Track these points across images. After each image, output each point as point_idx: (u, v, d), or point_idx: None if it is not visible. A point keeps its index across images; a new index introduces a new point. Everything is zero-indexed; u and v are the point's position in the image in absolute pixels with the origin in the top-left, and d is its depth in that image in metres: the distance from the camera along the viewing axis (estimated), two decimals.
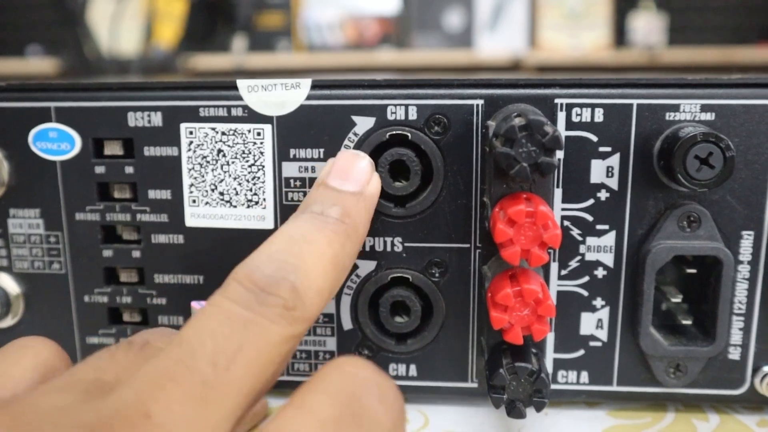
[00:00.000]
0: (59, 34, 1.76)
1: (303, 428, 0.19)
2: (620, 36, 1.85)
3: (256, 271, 0.23)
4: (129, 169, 0.33)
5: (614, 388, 0.33)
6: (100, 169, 0.33)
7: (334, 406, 0.20)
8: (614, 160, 0.31)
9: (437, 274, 0.33)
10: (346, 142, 0.32)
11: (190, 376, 0.19)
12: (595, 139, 0.31)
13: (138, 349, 0.24)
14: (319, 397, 0.20)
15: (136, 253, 0.34)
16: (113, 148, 0.33)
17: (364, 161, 0.30)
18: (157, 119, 0.32)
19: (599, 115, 0.31)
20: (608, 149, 0.31)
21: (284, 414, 0.20)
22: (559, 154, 0.31)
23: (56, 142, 0.33)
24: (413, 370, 0.34)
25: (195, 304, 0.34)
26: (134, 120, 0.33)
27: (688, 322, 0.32)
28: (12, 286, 0.35)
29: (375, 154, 0.31)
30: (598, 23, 1.85)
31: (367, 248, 0.33)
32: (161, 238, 0.34)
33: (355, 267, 0.33)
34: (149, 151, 0.33)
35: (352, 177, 0.29)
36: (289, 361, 0.32)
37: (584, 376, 0.33)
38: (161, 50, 1.54)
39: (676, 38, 1.84)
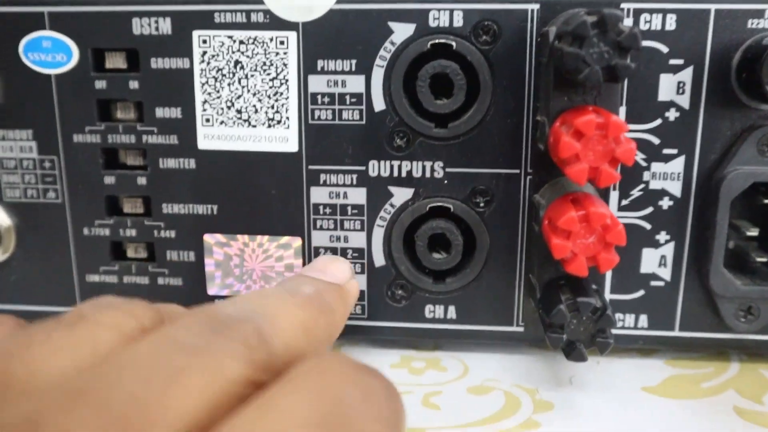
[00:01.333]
0: None
1: (279, 428, 0.16)
2: None
3: (215, 309, 0.20)
4: (133, 84, 0.29)
5: (676, 333, 0.30)
6: (100, 84, 0.29)
7: (312, 406, 0.16)
8: (686, 75, 0.27)
9: (482, 204, 0.29)
10: (381, 52, 0.28)
11: (112, 394, 0.16)
12: (665, 50, 0.27)
13: (68, 327, 0.19)
14: (294, 397, 0.17)
15: (142, 180, 0.30)
16: (115, 61, 0.29)
17: (344, 263, 0.28)
18: (165, 26, 0.28)
19: (671, 23, 0.27)
20: (680, 62, 0.27)
21: (248, 414, 0.16)
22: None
23: (51, 53, 0.29)
24: (452, 312, 0.30)
25: (208, 238, 0.30)
26: (140, 27, 0.29)
27: (763, 259, 0.29)
28: (2, 218, 0.31)
29: (415, 66, 0.28)
30: None
31: (404, 174, 0.29)
32: (170, 163, 0.30)
33: (390, 195, 0.29)
34: (157, 63, 0.29)
35: (330, 272, 0.27)
36: None
37: (643, 319, 0.30)
38: None
39: None
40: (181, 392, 0.16)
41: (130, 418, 0.15)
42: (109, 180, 0.30)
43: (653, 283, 0.29)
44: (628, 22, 0.27)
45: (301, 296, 0.23)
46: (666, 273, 0.29)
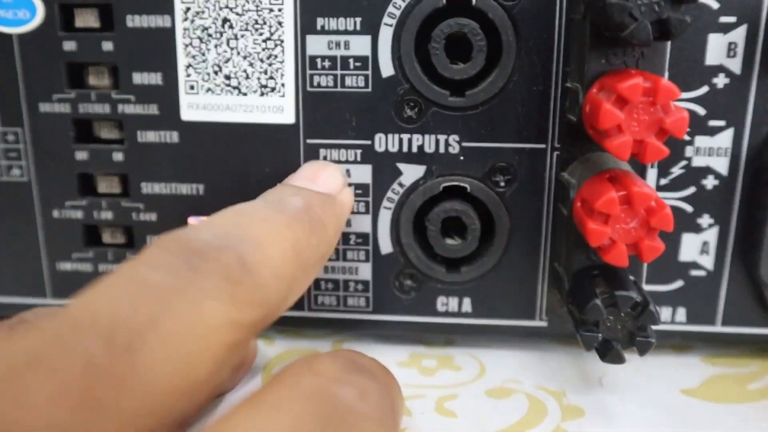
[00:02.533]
0: None
1: (272, 428, 0.14)
2: None
3: (188, 235, 0.17)
4: (107, 46, 0.26)
5: (717, 328, 0.27)
6: (70, 46, 0.26)
7: (306, 404, 0.15)
8: (738, 35, 0.24)
9: (502, 183, 0.26)
10: (390, 8, 0.24)
11: (66, 361, 0.13)
12: (715, 5, 0.24)
13: (6, 330, 0.17)
14: (288, 395, 0.15)
15: (118, 156, 0.27)
16: (86, 18, 0.26)
17: (336, 169, 0.25)
18: None
19: None
20: (732, 20, 0.24)
21: (242, 412, 0.14)
22: None
23: (12, 9, 0.26)
24: (467, 305, 0.27)
25: (193, 221, 0.27)
26: None
27: None
28: None
29: (427, 25, 0.24)
30: None
31: (415, 149, 0.26)
32: (150, 136, 0.26)
33: (398, 173, 0.26)
34: (133, 21, 0.25)
35: (320, 180, 0.24)
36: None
37: (681, 313, 0.27)
38: None
39: None
40: (154, 352, 0.13)
41: (90, 390, 0.12)
42: (81, 155, 0.27)
43: (693, 272, 0.26)
44: None
45: (288, 212, 0.20)
46: (708, 261, 0.26)
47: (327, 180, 0.24)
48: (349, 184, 0.26)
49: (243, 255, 0.17)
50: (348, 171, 0.26)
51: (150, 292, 0.15)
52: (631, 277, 0.24)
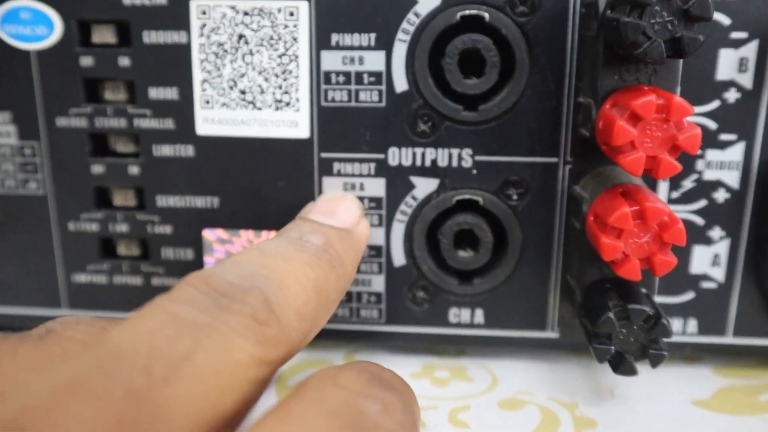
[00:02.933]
0: None
1: None
2: None
3: (216, 275, 0.18)
4: (124, 61, 0.26)
5: (729, 339, 0.27)
6: (87, 61, 0.26)
7: (332, 418, 0.16)
8: (750, 50, 0.24)
9: (515, 197, 0.26)
10: (404, 25, 0.25)
11: (107, 387, 0.13)
12: (727, 21, 0.24)
13: (36, 340, 0.17)
14: (314, 408, 0.16)
15: (134, 170, 0.27)
16: (104, 34, 0.26)
17: (353, 201, 0.25)
18: None
19: None
20: (743, 35, 0.24)
21: (268, 425, 0.15)
22: None
23: (30, 26, 0.26)
24: (479, 317, 0.27)
25: (208, 234, 0.27)
26: None
27: None
28: None
29: (441, 41, 0.24)
30: None
31: (428, 163, 0.26)
32: (165, 150, 0.27)
33: (412, 187, 0.26)
34: (150, 37, 0.26)
35: (338, 215, 0.24)
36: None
37: (692, 324, 0.27)
38: None
39: None
40: (189, 383, 0.14)
41: (129, 416, 0.13)
42: (97, 169, 0.27)
43: (704, 284, 0.27)
44: None
45: (309, 250, 0.21)
46: (719, 273, 0.26)
47: (345, 213, 0.24)
48: (363, 198, 0.26)
49: (269, 296, 0.18)
50: (362, 184, 0.26)
51: (184, 328, 0.15)
52: (644, 290, 0.24)
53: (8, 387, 0.15)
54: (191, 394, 0.14)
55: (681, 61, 0.22)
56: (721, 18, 0.24)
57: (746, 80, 0.24)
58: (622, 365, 0.23)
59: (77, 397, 0.13)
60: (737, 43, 0.24)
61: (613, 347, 0.23)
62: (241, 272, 0.19)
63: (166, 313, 0.16)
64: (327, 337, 0.28)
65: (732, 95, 0.25)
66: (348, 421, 0.16)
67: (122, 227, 0.28)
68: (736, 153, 0.25)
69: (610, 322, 0.23)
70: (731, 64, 0.24)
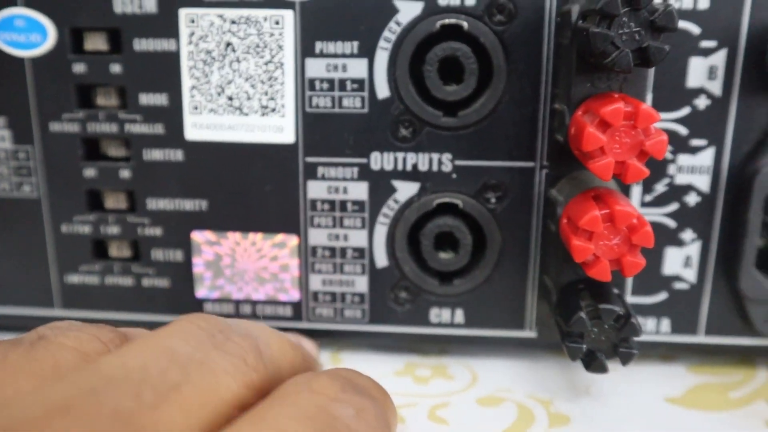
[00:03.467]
0: None
1: None
2: None
3: (217, 318, 0.19)
4: (115, 68, 0.27)
5: (701, 339, 0.28)
6: (79, 68, 0.27)
7: (306, 422, 0.16)
8: (719, 58, 0.25)
9: (493, 200, 0.27)
10: (386, 33, 0.26)
11: (98, 408, 0.14)
12: (696, 30, 0.25)
13: (27, 346, 0.18)
14: (288, 413, 0.17)
15: (125, 173, 0.28)
16: (96, 41, 0.27)
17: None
18: (150, 4, 0.26)
19: (704, 0, 0.25)
20: (713, 44, 0.25)
21: (243, 430, 0.16)
22: None
23: (24, 33, 0.27)
24: (460, 317, 0.28)
25: (197, 236, 0.28)
26: (122, 5, 0.26)
27: None
28: None
29: (422, 49, 0.25)
30: None
31: (409, 167, 0.27)
32: (155, 154, 0.27)
33: (393, 190, 0.27)
34: (140, 44, 0.27)
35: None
36: None
37: (665, 324, 0.28)
38: None
39: None
40: (174, 411, 0.15)
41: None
42: (89, 172, 0.28)
43: (677, 285, 0.27)
44: (661, 1, 0.24)
45: (288, 338, 0.23)
46: (691, 274, 0.27)
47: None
48: (347, 201, 0.27)
49: (260, 346, 0.19)
50: (345, 188, 0.27)
51: (177, 361, 0.16)
52: (616, 291, 0.25)
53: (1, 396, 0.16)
54: (176, 420, 0.15)
55: (651, 69, 0.23)
56: (691, 27, 0.25)
57: (716, 88, 0.25)
58: (593, 363, 0.24)
59: (70, 416, 0.14)
60: (707, 52, 0.25)
61: (585, 346, 0.24)
62: (238, 324, 0.20)
63: (162, 346, 0.17)
64: (312, 337, 0.29)
65: (702, 102, 0.26)
66: (321, 424, 0.17)
67: (114, 229, 0.29)
68: (706, 158, 0.26)
69: (581, 321, 0.23)
70: (701, 72, 0.25)
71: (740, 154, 0.26)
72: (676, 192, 0.26)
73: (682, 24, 0.25)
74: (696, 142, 0.26)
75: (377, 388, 0.21)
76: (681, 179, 0.26)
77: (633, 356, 0.24)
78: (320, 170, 0.27)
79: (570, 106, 0.24)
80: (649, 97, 0.25)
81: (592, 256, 0.23)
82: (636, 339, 0.24)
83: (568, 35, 0.24)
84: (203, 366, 0.17)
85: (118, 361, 0.16)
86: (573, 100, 0.23)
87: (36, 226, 0.29)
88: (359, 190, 0.27)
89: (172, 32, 0.26)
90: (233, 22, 0.26)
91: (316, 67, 0.26)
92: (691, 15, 0.25)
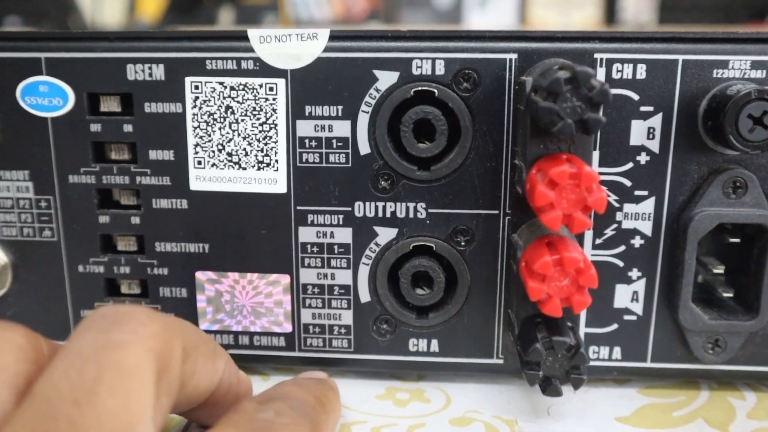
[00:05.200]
0: (40, 4, 1.70)
1: None
2: (610, 14, 1.83)
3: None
4: (128, 128, 0.30)
5: (648, 364, 0.31)
6: (95, 127, 0.30)
7: (232, 428, 0.22)
8: (656, 121, 0.29)
9: (463, 243, 0.30)
10: (366, 98, 0.29)
11: (55, 425, 0.17)
12: (636, 97, 0.29)
13: None
14: (217, 428, 0.21)
15: (135, 220, 0.31)
16: (110, 104, 0.30)
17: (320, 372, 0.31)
18: (159, 72, 0.30)
19: (641, 72, 0.28)
20: (650, 109, 0.29)
21: None
22: None
23: (47, 97, 0.30)
24: (435, 346, 0.32)
25: (200, 275, 0.31)
26: (134, 73, 0.30)
27: (729, 294, 0.31)
28: None
29: (398, 112, 0.29)
30: (588, 1, 1.83)
31: (388, 214, 0.30)
32: (163, 203, 0.31)
33: (375, 235, 0.31)
34: (150, 107, 0.30)
35: (315, 374, 0.30)
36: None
37: (617, 351, 0.31)
38: (145, 23, 1.49)
39: (665, 17, 1.83)
40: (110, 400, 0.18)
41: None
42: (103, 219, 0.31)
43: (626, 317, 0.31)
44: (599, 77, 0.28)
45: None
46: (638, 307, 0.31)
47: (318, 374, 0.30)
48: (334, 244, 0.31)
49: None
50: (332, 233, 0.31)
51: (86, 355, 0.19)
52: (569, 324, 0.28)
53: None
54: (114, 405, 0.18)
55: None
56: (632, 94, 0.29)
57: (654, 146, 0.29)
58: (549, 388, 0.27)
59: None
60: (645, 115, 0.29)
61: (541, 373, 0.27)
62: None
63: (69, 350, 0.19)
64: (304, 364, 0.32)
65: (643, 158, 0.29)
66: (247, 427, 0.21)
67: (125, 269, 0.32)
68: (648, 206, 0.30)
69: (537, 351, 0.27)
70: (641, 133, 0.29)
71: (677, 203, 0.30)
72: (623, 236, 0.30)
73: (624, 91, 0.29)
74: (639, 192, 0.30)
75: (304, 395, 0.25)
76: (627, 224, 0.30)
77: (583, 381, 0.27)
78: (310, 217, 0.31)
79: (526, 164, 0.27)
80: (597, 154, 0.29)
81: (545, 295, 0.26)
82: (586, 366, 0.27)
83: (523, 102, 0.27)
84: (108, 347, 0.19)
85: (48, 384, 0.18)
86: (528, 158, 0.27)
87: (55, 266, 0.32)
88: (344, 235, 0.31)
89: (179, 97, 0.30)
90: (233, 88, 0.29)
91: (305, 128, 0.30)
92: (631, 83, 0.28)
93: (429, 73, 0.29)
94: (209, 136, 0.30)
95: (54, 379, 0.18)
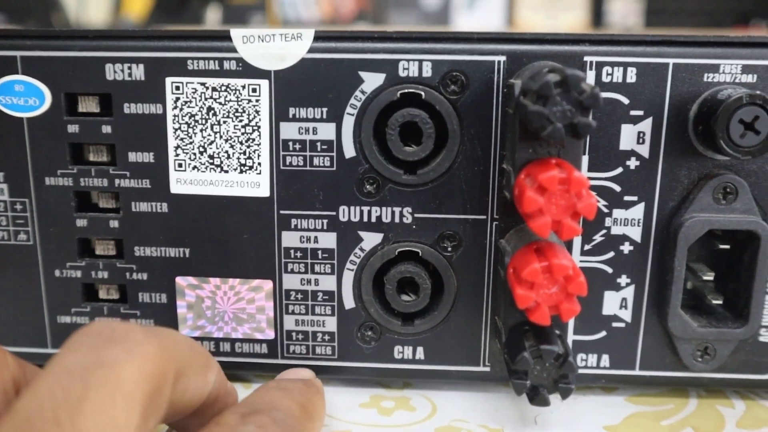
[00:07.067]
0: (24, 2, 1.68)
1: None
2: (597, 17, 1.84)
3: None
4: (106, 129, 0.29)
5: (636, 372, 0.31)
6: (73, 128, 0.30)
7: None
8: (646, 125, 0.28)
9: (449, 248, 0.30)
10: (352, 100, 0.29)
11: None
12: (626, 101, 0.28)
13: None
14: None
15: (114, 223, 0.30)
16: (88, 105, 0.30)
17: (305, 370, 0.30)
18: (139, 72, 0.29)
19: (632, 75, 0.28)
20: (640, 113, 0.28)
21: None
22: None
23: (23, 97, 0.29)
24: (420, 353, 0.31)
25: (180, 281, 0.31)
26: (113, 73, 0.29)
27: (718, 301, 0.30)
28: None
29: (384, 115, 0.28)
30: (576, 4, 1.84)
31: (374, 219, 0.30)
32: (142, 206, 0.30)
33: (360, 240, 0.30)
34: (130, 108, 0.29)
35: (300, 374, 0.30)
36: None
37: (605, 359, 0.31)
38: (130, 21, 1.48)
39: (652, 21, 1.84)
40: (94, 419, 0.17)
41: None
42: (81, 222, 0.30)
43: (615, 324, 0.30)
44: (589, 80, 0.28)
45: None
46: (627, 315, 0.30)
47: (303, 374, 0.30)
48: (318, 249, 0.30)
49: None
50: (316, 238, 0.30)
51: (74, 374, 0.18)
52: (557, 332, 0.28)
53: None
54: (99, 424, 0.17)
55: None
56: (621, 98, 0.28)
57: (644, 150, 0.29)
58: (537, 397, 0.27)
59: None
60: (635, 119, 0.28)
61: (528, 382, 0.27)
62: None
63: (56, 366, 0.18)
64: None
65: (633, 163, 0.29)
66: None
67: (103, 274, 0.31)
68: (637, 212, 0.29)
69: (525, 360, 0.26)
70: (631, 137, 0.29)
71: (667, 208, 0.29)
72: (612, 242, 0.30)
73: (614, 95, 0.28)
74: (628, 198, 0.29)
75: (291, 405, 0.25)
76: (616, 230, 0.29)
77: (571, 391, 0.27)
78: (293, 221, 0.30)
79: (515, 168, 0.27)
80: (586, 158, 0.29)
81: (534, 303, 0.26)
82: (575, 375, 0.27)
83: (512, 106, 0.27)
84: (98, 366, 0.18)
85: (31, 402, 0.18)
86: (517, 163, 0.26)
87: (31, 271, 0.31)
88: (329, 240, 0.30)
89: (159, 98, 0.29)
90: (215, 89, 0.29)
91: (289, 130, 0.29)
92: (621, 87, 0.28)
93: (416, 75, 0.28)
94: (190, 138, 0.29)
95: (38, 396, 0.17)
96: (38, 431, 0.17)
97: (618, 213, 0.29)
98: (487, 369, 0.31)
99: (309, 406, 0.25)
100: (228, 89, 0.29)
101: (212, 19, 1.60)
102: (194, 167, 0.29)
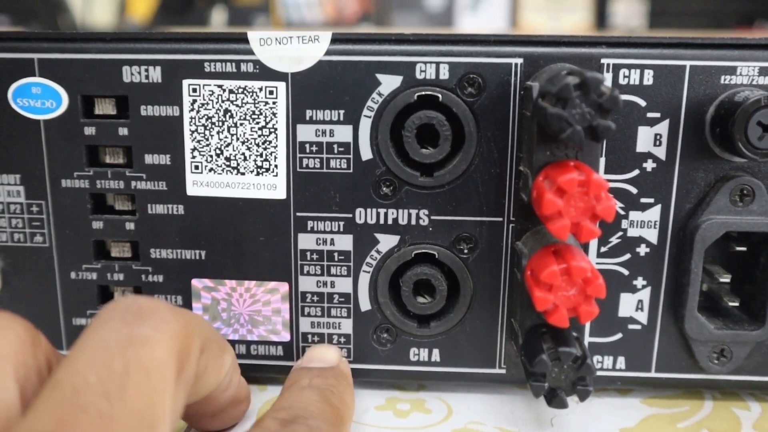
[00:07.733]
0: (29, 3, 1.68)
1: None
2: (601, 19, 1.83)
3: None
4: (123, 131, 0.30)
5: (652, 374, 0.31)
6: (89, 131, 0.30)
7: None
8: (663, 127, 0.28)
9: (466, 251, 0.30)
10: (369, 102, 0.29)
11: (83, 414, 0.17)
12: (643, 103, 0.28)
13: None
14: None
15: (130, 225, 0.30)
16: (105, 107, 0.30)
17: (331, 348, 0.31)
18: (156, 74, 0.29)
19: (649, 78, 0.28)
20: (657, 115, 0.28)
21: None
22: None
23: (40, 99, 0.29)
24: (436, 355, 0.31)
25: (196, 283, 0.31)
26: (130, 75, 0.29)
27: (735, 303, 0.30)
28: None
29: (401, 117, 0.28)
30: (579, 6, 1.83)
31: (390, 221, 0.30)
32: (158, 209, 0.30)
33: (376, 242, 0.30)
34: (146, 110, 0.29)
35: (325, 359, 0.30)
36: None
37: (621, 361, 0.31)
38: (135, 23, 1.48)
39: (656, 22, 1.83)
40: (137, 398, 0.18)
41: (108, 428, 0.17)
42: (96, 225, 0.30)
43: (631, 326, 0.30)
44: (608, 83, 0.28)
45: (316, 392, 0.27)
46: (643, 317, 0.30)
47: (329, 356, 0.30)
48: (334, 252, 0.30)
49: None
50: (332, 240, 0.30)
51: (113, 348, 0.19)
52: (575, 334, 0.28)
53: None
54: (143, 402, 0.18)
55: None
56: (639, 100, 0.28)
57: (661, 152, 0.29)
58: (555, 399, 0.27)
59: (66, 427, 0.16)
60: (652, 122, 0.28)
61: (546, 384, 0.27)
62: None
63: (95, 340, 0.19)
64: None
65: (649, 165, 0.29)
66: None
67: (119, 276, 0.31)
68: (654, 214, 0.29)
69: (543, 362, 0.26)
70: (648, 139, 0.29)
71: (683, 210, 0.29)
72: (629, 244, 0.30)
73: (631, 97, 0.28)
74: (645, 200, 0.29)
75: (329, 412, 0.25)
76: (632, 232, 0.29)
77: (589, 393, 0.27)
78: (309, 224, 0.30)
79: (532, 171, 0.27)
80: (603, 160, 0.29)
81: (552, 305, 0.26)
82: (593, 376, 0.27)
83: (530, 108, 0.27)
84: (134, 341, 0.19)
85: (75, 374, 0.18)
86: (535, 166, 0.26)
87: (46, 272, 0.31)
88: (345, 242, 0.30)
89: (176, 100, 0.29)
90: (232, 91, 0.29)
91: (306, 132, 0.29)
92: (638, 89, 0.28)
93: (433, 77, 0.28)
94: (207, 140, 0.29)
95: (79, 369, 0.18)
96: (89, 403, 0.17)
97: (634, 215, 0.29)
98: (503, 371, 0.31)
99: (341, 407, 0.26)
100: (245, 91, 0.29)
101: (218, 20, 1.61)
102: (211, 169, 0.29)
